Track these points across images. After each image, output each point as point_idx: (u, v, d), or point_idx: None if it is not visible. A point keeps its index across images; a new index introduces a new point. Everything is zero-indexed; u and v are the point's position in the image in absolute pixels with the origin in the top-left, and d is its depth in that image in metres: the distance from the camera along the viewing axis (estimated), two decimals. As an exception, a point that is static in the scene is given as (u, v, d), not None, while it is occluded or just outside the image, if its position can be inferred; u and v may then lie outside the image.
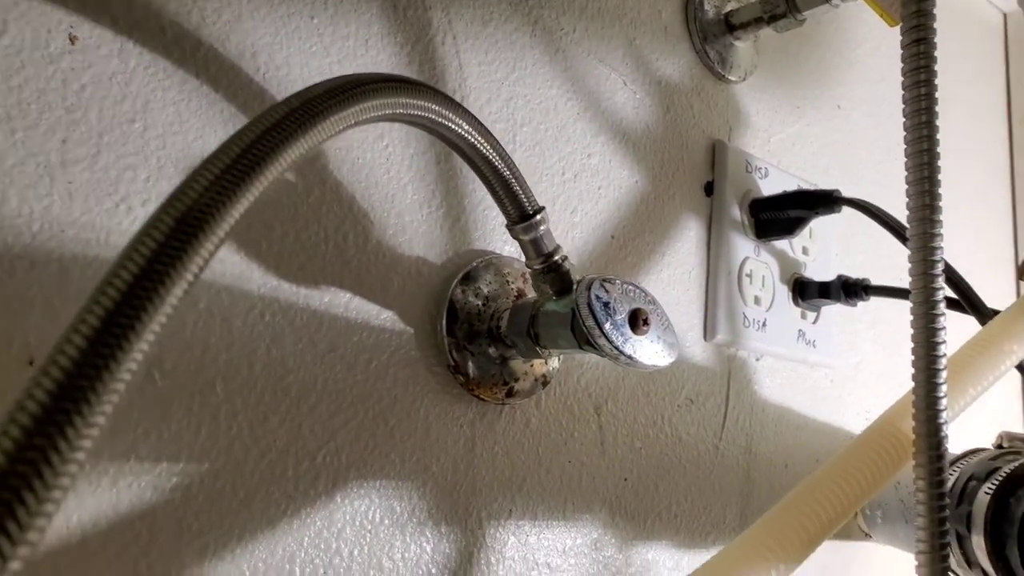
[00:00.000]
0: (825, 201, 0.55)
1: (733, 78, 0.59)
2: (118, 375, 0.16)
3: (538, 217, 0.36)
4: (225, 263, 0.35)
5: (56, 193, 0.31)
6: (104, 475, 0.31)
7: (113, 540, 0.31)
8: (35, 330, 0.30)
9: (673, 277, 0.54)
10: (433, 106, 0.30)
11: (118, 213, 0.33)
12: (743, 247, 0.57)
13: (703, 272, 0.56)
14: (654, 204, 0.53)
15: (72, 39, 0.32)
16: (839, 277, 0.59)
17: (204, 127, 0.35)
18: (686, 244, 0.55)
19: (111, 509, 0.31)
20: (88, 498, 0.31)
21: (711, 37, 0.57)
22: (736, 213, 0.57)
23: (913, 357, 0.39)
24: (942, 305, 0.39)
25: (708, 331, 0.55)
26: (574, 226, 0.48)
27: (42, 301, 0.31)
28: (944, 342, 0.39)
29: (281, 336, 0.36)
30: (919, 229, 0.39)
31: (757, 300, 0.57)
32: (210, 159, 0.20)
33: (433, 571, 0.40)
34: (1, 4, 0.31)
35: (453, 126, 0.32)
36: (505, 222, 0.37)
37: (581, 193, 0.49)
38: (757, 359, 0.58)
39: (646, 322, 0.35)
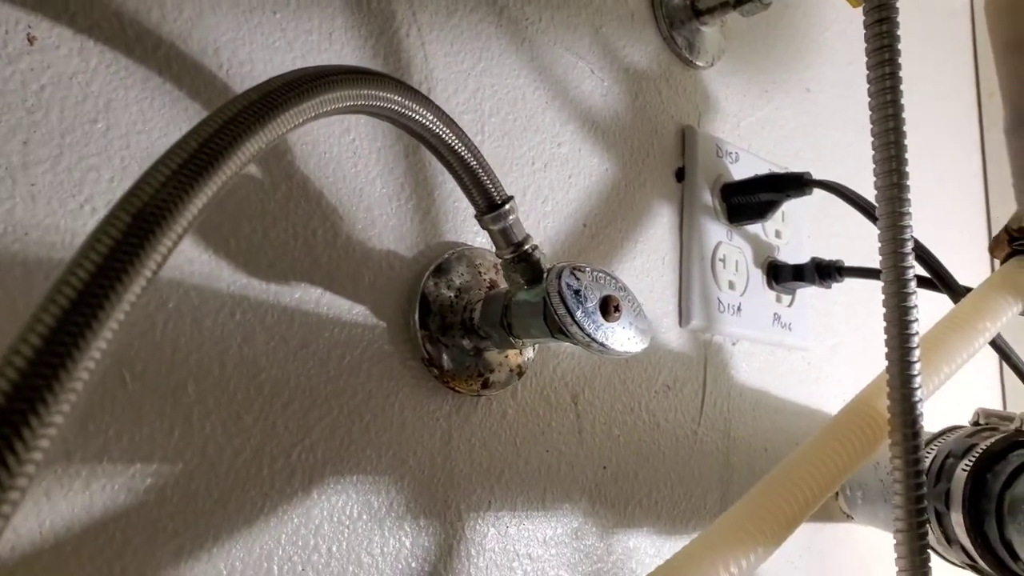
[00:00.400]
0: (796, 184, 0.55)
1: (701, 63, 0.59)
2: (75, 374, 0.16)
3: (507, 207, 0.36)
4: (194, 262, 0.35)
5: (19, 195, 0.31)
6: (76, 478, 0.31)
7: (87, 543, 0.31)
8: (0, 335, 0.30)
9: (646, 264, 0.54)
10: (396, 97, 0.30)
11: (82, 214, 0.32)
12: (716, 232, 0.57)
13: (676, 258, 0.56)
14: (625, 191, 0.53)
15: (30, 39, 0.32)
16: (812, 259, 0.59)
17: (168, 125, 0.35)
18: (658, 230, 0.55)
19: (84, 512, 0.31)
20: (60, 501, 0.30)
21: (678, 23, 0.58)
22: (708, 198, 0.57)
23: (886, 336, 0.39)
24: (913, 283, 0.40)
25: (683, 317, 0.55)
26: (545, 215, 0.48)
27: (7, 303, 0.30)
28: (916, 320, 0.39)
29: (252, 334, 0.36)
30: (887, 208, 0.39)
31: (731, 284, 0.57)
32: (167, 154, 0.20)
33: (413, 565, 0.40)
34: (-47, 5, 0.30)
35: (417, 117, 0.31)
36: (475, 213, 0.37)
37: (552, 182, 0.49)
38: (733, 344, 0.59)
39: (617, 308, 0.35)
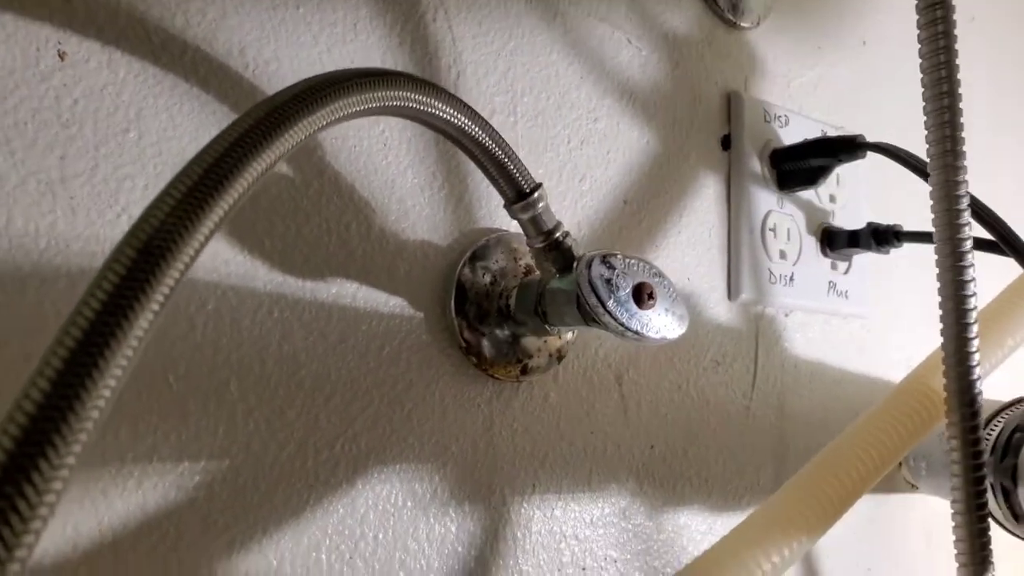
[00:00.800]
0: (848, 147, 0.53)
1: (746, 24, 0.56)
2: (84, 415, 0.17)
3: (535, 195, 0.36)
4: (230, 263, 0.36)
5: (59, 209, 0.32)
6: (129, 478, 0.32)
7: (143, 539, 0.32)
8: (49, 345, 0.31)
9: (692, 237, 0.53)
10: (411, 94, 0.29)
11: (120, 223, 0.33)
12: (765, 200, 0.56)
13: (724, 230, 0.54)
14: (667, 164, 0.52)
15: (61, 55, 0.33)
16: (869, 225, 0.57)
17: (198, 130, 0.35)
18: (704, 202, 0.54)
19: (139, 510, 0.32)
20: (116, 500, 0.32)
21: (720, -16, 0.55)
22: (756, 166, 0.56)
23: (941, 311, 0.38)
24: (969, 249, 0.37)
25: (732, 290, 0.54)
26: (583, 194, 0.47)
27: (55, 316, 0.32)
28: (973, 294, 0.37)
29: (291, 331, 0.37)
30: (939, 164, 0.37)
31: (783, 254, 0.56)
32: (174, 181, 0.20)
33: (459, 549, 0.40)
34: (-15, 27, 0.31)
35: (437, 112, 0.31)
36: (503, 203, 0.37)
37: (589, 160, 0.48)
38: (786, 315, 0.57)
39: (651, 296, 0.34)
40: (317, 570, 0.36)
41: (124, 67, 0.34)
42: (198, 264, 0.34)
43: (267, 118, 0.23)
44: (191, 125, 0.35)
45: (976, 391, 0.37)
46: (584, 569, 0.45)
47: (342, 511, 0.37)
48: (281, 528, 0.36)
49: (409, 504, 0.39)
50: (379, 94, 0.27)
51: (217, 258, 0.35)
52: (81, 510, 0.31)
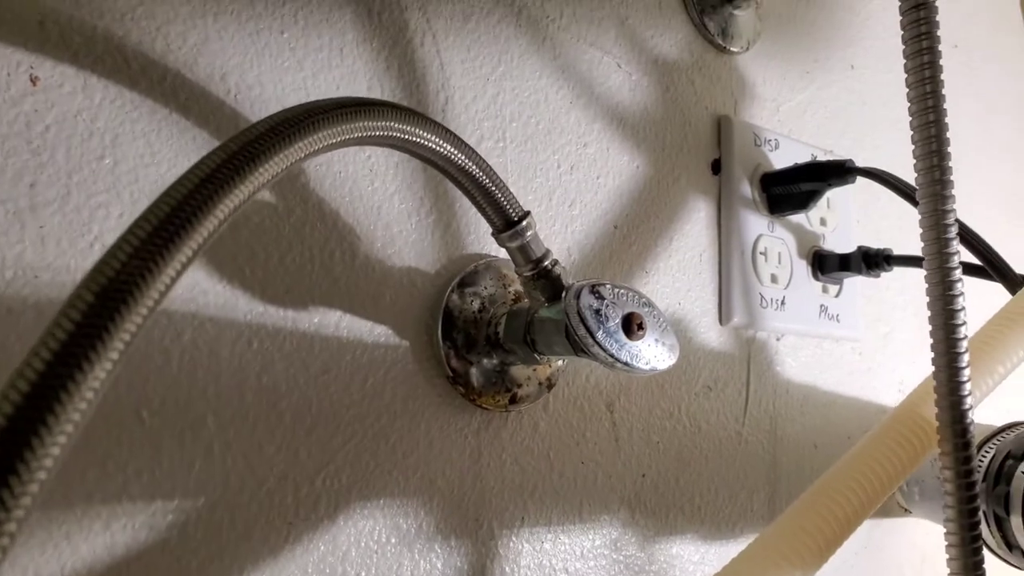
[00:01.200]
0: (838, 172, 0.53)
1: (735, 49, 0.56)
2: (30, 475, 0.15)
3: (523, 223, 0.35)
4: (208, 293, 0.35)
5: (28, 239, 0.31)
6: (96, 519, 0.31)
7: (114, 582, 0.31)
8: (17, 380, 0.30)
9: (683, 262, 0.52)
10: (396, 124, 0.28)
11: (92, 253, 0.32)
12: (756, 224, 0.55)
13: (715, 254, 0.54)
14: (658, 188, 0.51)
15: (33, 80, 0.32)
16: (859, 248, 0.57)
17: (177, 156, 0.35)
18: (695, 226, 0.53)
19: (105, 553, 0.31)
20: (81, 544, 0.31)
21: (709, 8, 0.55)
22: (746, 190, 0.55)
23: (932, 340, 0.37)
24: (958, 273, 0.37)
25: (724, 315, 0.53)
26: (573, 219, 0.47)
27: (21, 348, 0.31)
28: (963, 323, 0.36)
29: (271, 363, 0.36)
30: (927, 191, 0.36)
31: (774, 278, 0.55)
32: (140, 220, 0.19)
33: (446, 585, 0.39)
34: (-45, 52, 0.30)
35: (422, 141, 0.30)
36: (491, 231, 0.36)
37: (579, 185, 0.47)
38: (778, 339, 0.56)
39: (641, 326, 0.34)
40: (297, 611, 0.35)
41: (100, 92, 0.33)
42: (174, 294, 0.33)
43: (242, 151, 0.22)
44: (170, 152, 0.34)
45: (968, 421, 0.36)
46: (574, 603, 0.44)
47: (323, 548, 0.36)
48: (259, 568, 0.34)
49: (393, 540, 0.38)
50: (360, 124, 0.26)
51: (195, 287, 0.34)
52: (42, 555, 0.30)
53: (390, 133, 0.28)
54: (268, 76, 0.37)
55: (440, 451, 0.40)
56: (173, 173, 0.34)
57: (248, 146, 0.22)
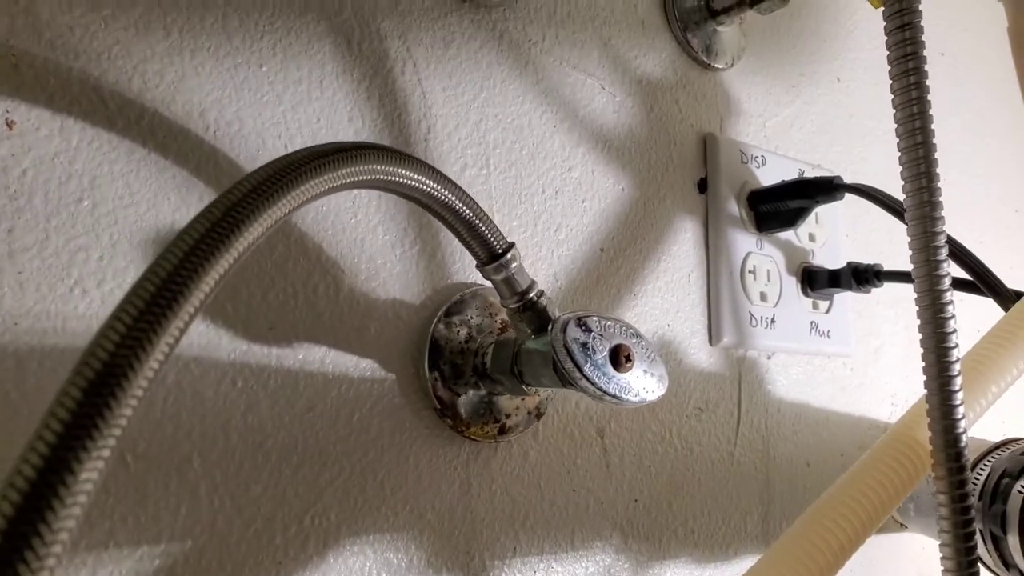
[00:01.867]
0: (825, 189, 0.52)
1: (720, 65, 0.56)
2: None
3: (508, 256, 0.35)
4: (191, 333, 0.34)
5: (6, 285, 0.31)
6: (82, 567, 0.31)
7: (99, 631, 0.31)
8: (-4, 430, 0.30)
9: (671, 283, 0.52)
10: (378, 167, 0.28)
11: (73, 297, 0.32)
12: (744, 242, 0.55)
13: (703, 274, 0.54)
14: (644, 209, 0.51)
15: (9, 124, 0.31)
16: (849, 264, 0.56)
17: (156, 196, 0.34)
18: (682, 247, 0.53)
19: (91, 602, 0.31)
20: (67, 594, 0.30)
21: (692, 25, 0.55)
22: (734, 208, 0.55)
23: (924, 362, 0.37)
24: (949, 295, 0.37)
25: (713, 335, 0.53)
26: (559, 244, 0.46)
27: (1, 398, 0.30)
28: (955, 345, 0.36)
29: (256, 401, 0.35)
30: (915, 205, 0.36)
31: (763, 296, 0.55)
32: (124, 303, 0.19)
33: (437, 621, 0.39)
34: (-72, 99, 0.30)
35: (405, 180, 0.30)
36: (475, 264, 0.36)
37: (564, 209, 0.47)
38: (768, 357, 0.56)
39: (628, 358, 0.33)
40: (287, 653, 0.35)
41: (77, 134, 0.33)
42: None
43: (225, 218, 0.21)
44: (149, 192, 0.34)
45: (962, 445, 0.36)
46: (569, 630, 0.44)
47: (313, 588, 0.36)
48: (248, 610, 0.34)
49: (387, 573, 0.38)
50: (342, 172, 0.26)
51: (177, 328, 0.34)
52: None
53: (374, 177, 0.28)
54: (247, 111, 0.37)
55: (429, 484, 0.40)
56: (152, 213, 0.34)
57: (232, 211, 0.21)
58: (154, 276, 0.19)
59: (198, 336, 0.34)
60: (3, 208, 0.31)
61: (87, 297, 0.32)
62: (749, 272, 0.54)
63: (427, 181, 0.31)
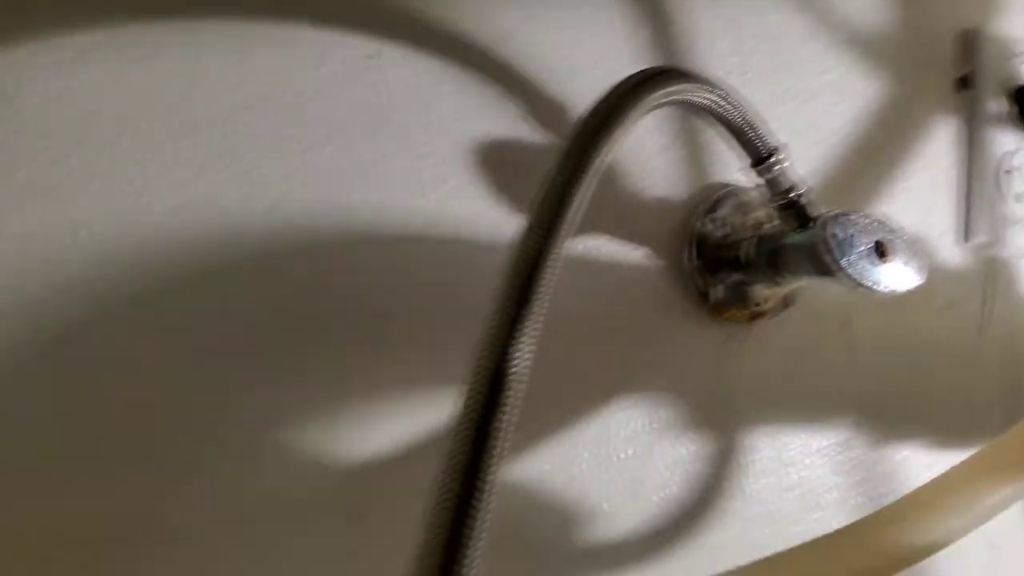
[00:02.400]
0: (1104, 83, 0.50)
1: (991, -44, 0.54)
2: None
3: (773, 158, 0.39)
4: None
5: (373, 186, 0.40)
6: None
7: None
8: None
9: (925, 181, 0.53)
10: (687, 86, 0.34)
11: (420, 193, 0.41)
12: (1003, 141, 0.54)
13: (957, 173, 0.54)
14: (898, 110, 0.52)
15: (369, 57, 0.40)
16: (1124, 162, 0.54)
17: (479, 112, 0.42)
18: (938, 145, 0.54)
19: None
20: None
21: (963, -84, 0.53)
22: (995, 105, 0.54)
23: None
24: None
25: (965, 233, 0.54)
26: (813, 146, 0.50)
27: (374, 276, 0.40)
28: None
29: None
30: None
31: (1019, 198, 0.54)
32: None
33: (698, 467, 0.46)
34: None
35: (698, 99, 0.35)
36: (744, 165, 0.40)
37: (817, 112, 0.50)
38: (1021, 258, 0.56)
39: (887, 252, 0.37)
40: (579, 472, 0.43)
41: (420, 62, 0.41)
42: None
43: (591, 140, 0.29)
44: (474, 109, 0.42)
45: None
46: (805, 493, 0.49)
47: (596, 431, 0.44)
48: (548, 441, 0.43)
49: (654, 426, 0.45)
50: (659, 94, 0.32)
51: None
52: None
53: (683, 97, 0.34)
54: (545, 38, 0.43)
55: (689, 357, 0.46)
56: (476, 126, 0.42)
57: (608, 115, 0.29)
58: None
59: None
60: (371, 122, 0.40)
61: (433, 193, 0.41)
62: (1006, 172, 0.54)
63: (705, 93, 0.36)
